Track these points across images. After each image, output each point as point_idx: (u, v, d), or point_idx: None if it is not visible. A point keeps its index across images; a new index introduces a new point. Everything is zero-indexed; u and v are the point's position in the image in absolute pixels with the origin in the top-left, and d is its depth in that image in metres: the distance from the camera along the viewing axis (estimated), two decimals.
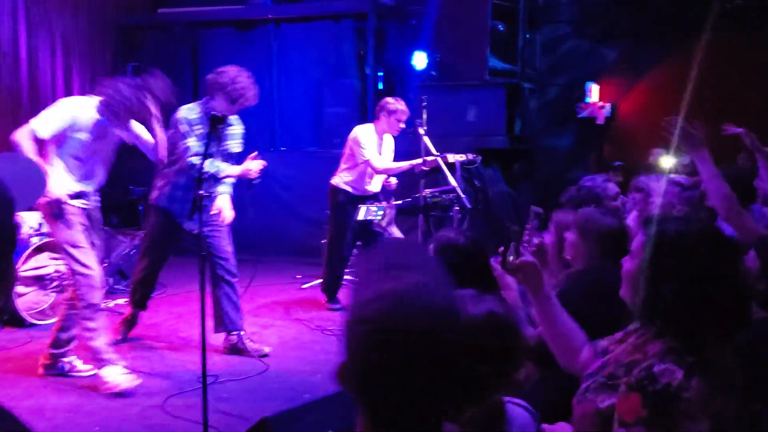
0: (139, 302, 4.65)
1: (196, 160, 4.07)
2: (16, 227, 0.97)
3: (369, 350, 0.91)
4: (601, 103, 7.32)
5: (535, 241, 2.80)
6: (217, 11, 7.88)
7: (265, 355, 4.41)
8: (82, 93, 7.76)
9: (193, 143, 4.20)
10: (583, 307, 2.06)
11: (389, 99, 5.32)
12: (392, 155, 5.50)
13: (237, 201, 4.50)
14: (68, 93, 7.60)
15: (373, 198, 5.43)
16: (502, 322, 1.45)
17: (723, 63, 6.40)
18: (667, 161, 4.73)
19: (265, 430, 1.98)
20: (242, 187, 4.55)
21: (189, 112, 4.28)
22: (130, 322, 4.68)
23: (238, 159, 4.41)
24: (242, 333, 4.47)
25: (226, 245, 4.39)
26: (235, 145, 4.43)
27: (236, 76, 4.22)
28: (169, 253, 4.71)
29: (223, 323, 4.43)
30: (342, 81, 7.58)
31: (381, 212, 5.08)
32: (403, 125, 5.30)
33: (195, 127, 4.23)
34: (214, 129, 3.36)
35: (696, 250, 1.60)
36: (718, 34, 6.14)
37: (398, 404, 0.92)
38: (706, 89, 6.67)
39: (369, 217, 4.95)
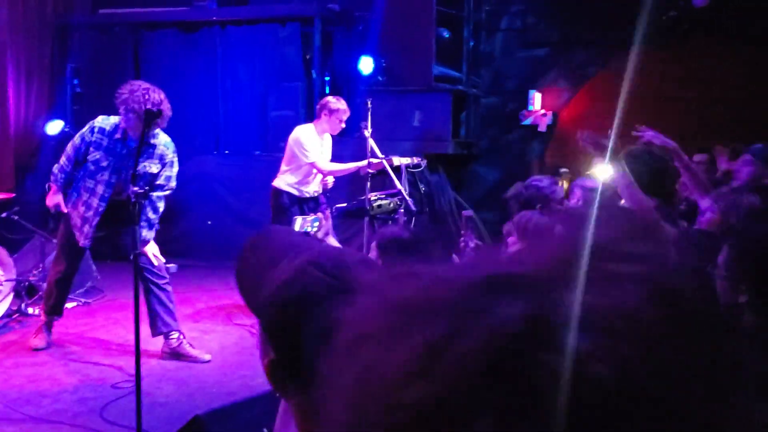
0: (53, 309, 4.49)
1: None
2: None
3: (309, 326, 0.84)
4: (543, 111, 7.48)
5: (471, 244, 2.82)
6: (160, 12, 7.74)
7: (207, 361, 4.33)
8: (17, 92, 7.53)
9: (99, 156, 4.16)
10: None
11: (330, 98, 5.26)
12: (330, 155, 5.45)
13: (179, 204, 4.43)
14: (2, 91, 7.34)
15: (314, 200, 5.38)
16: None
17: (658, 72, 6.63)
18: (602, 171, 4.84)
19: (198, 428, 1.93)
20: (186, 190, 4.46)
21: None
22: (48, 328, 4.51)
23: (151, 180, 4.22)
24: (181, 336, 4.36)
25: (148, 249, 4.27)
26: (150, 166, 4.19)
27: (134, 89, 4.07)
28: (79, 257, 4.57)
29: (157, 326, 4.32)
30: (288, 84, 7.53)
31: (317, 223, 5.04)
32: (343, 125, 5.25)
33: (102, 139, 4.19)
34: (149, 125, 3.28)
35: None
36: (655, 44, 6.37)
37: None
38: (643, 98, 6.93)
39: (305, 228, 4.90)
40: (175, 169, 4.31)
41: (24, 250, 5.72)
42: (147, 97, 3.95)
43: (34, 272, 5.43)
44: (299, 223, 2.46)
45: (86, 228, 4.26)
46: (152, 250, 4.26)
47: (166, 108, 3.99)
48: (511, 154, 7.57)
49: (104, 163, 4.15)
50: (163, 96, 4.03)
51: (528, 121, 7.43)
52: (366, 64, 6.79)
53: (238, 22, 7.63)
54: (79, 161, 4.26)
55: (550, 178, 3.85)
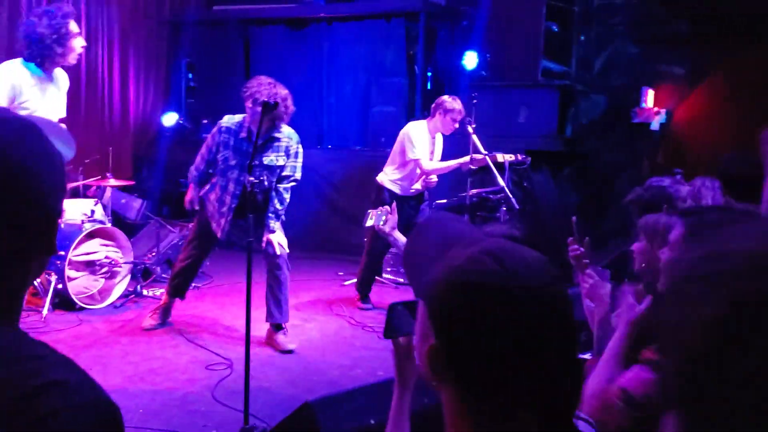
0: (176, 290, 4.71)
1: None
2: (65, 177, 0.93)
3: (482, 313, 0.83)
4: (656, 109, 7.13)
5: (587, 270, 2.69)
6: (270, 9, 7.96)
7: (290, 351, 4.36)
8: (137, 88, 7.96)
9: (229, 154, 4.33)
10: None
11: (446, 97, 5.16)
12: (440, 155, 5.42)
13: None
14: (124, 88, 7.79)
15: (416, 198, 5.35)
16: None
17: None
18: None
19: (308, 414, 1.96)
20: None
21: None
22: (166, 310, 4.74)
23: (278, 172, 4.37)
24: (281, 327, 4.48)
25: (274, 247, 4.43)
26: (270, 157, 4.31)
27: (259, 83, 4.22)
28: (211, 246, 4.74)
29: (267, 314, 4.48)
30: (390, 80, 7.57)
31: (384, 218, 5.01)
32: (457, 125, 5.17)
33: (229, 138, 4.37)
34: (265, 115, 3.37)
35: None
36: None
37: (521, 370, 0.84)
38: (763, 97, 6.48)
39: (373, 222, 4.89)
40: (300, 160, 4.42)
41: (140, 235, 6.05)
42: (274, 91, 4.08)
43: (149, 256, 5.73)
44: (369, 216, 2.44)
45: (222, 222, 4.44)
46: (278, 238, 4.36)
47: (290, 104, 4.14)
48: (621, 153, 7.27)
49: (233, 162, 4.30)
50: (286, 92, 4.17)
51: (639, 119, 7.11)
52: (470, 60, 6.71)
53: (344, 19, 7.73)
54: (211, 160, 4.45)
55: (670, 178, 3.64)
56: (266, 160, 4.25)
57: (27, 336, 0.86)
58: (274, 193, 4.31)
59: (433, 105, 5.25)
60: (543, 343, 0.84)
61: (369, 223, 2.42)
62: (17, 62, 3.65)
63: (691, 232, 1.74)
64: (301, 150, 4.42)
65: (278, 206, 4.36)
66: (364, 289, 5.46)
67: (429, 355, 0.88)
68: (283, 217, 4.45)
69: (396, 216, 2.50)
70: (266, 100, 3.83)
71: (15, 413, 0.73)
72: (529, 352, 0.83)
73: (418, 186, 5.32)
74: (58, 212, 0.90)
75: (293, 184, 4.43)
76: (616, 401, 1.59)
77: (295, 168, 4.39)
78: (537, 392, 0.85)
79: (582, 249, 2.61)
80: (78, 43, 3.67)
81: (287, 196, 4.40)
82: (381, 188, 5.30)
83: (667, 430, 0.64)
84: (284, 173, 4.36)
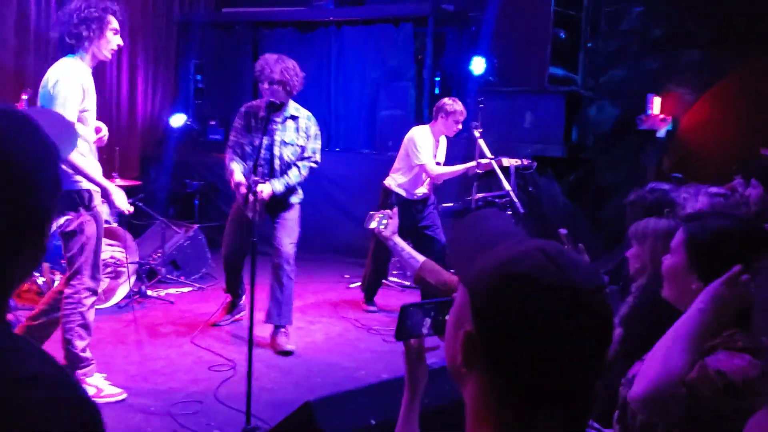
0: (229, 288, 4.81)
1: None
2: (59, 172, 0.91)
3: (531, 306, 0.85)
4: (662, 116, 7.12)
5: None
6: (280, 12, 8.00)
7: (289, 353, 4.34)
8: (145, 89, 8.01)
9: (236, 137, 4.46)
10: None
11: (447, 100, 5.20)
12: (444, 158, 5.43)
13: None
14: (132, 88, 7.83)
15: (422, 202, 5.35)
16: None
17: None
18: None
19: (308, 414, 1.96)
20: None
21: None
22: (229, 308, 4.88)
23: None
24: (281, 328, 4.46)
25: (283, 236, 4.46)
26: (290, 136, 4.43)
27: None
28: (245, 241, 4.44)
29: (266, 315, 4.49)
30: (398, 84, 7.59)
31: (385, 221, 5.03)
32: (460, 126, 5.21)
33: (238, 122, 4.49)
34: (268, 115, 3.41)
35: (738, 246, 1.61)
36: None
37: (554, 369, 0.86)
38: None
39: (374, 225, 4.90)
40: (319, 143, 4.50)
41: (146, 235, 6.07)
42: (284, 65, 4.24)
43: (155, 256, 5.75)
44: (372, 219, 2.45)
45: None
46: (265, 188, 4.18)
47: (299, 72, 4.32)
48: (626, 160, 7.26)
49: (256, 143, 4.33)
50: (293, 62, 4.32)
51: (645, 126, 7.10)
52: (478, 65, 6.72)
53: (353, 22, 7.76)
54: (238, 146, 4.45)
55: (672, 184, 3.65)
56: (287, 138, 4.36)
57: (9, 329, 0.86)
58: (292, 167, 4.39)
59: (434, 108, 5.27)
60: (580, 344, 0.86)
61: (372, 225, 2.42)
62: (76, 60, 3.43)
63: (693, 241, 1.75)
64: (319, 134, 4.53)
65: (291, 178, 4.38)
66: (369, 292, 5.46)
67: (465, 341, 0.90)
68: (300, 194, 4.54)
69: (397, 220, 2.50)
70: (280, 78, 4.13)
71: None
72: (565, 350, 0.85)
73: (424, 190, 5.33)
74: (51, 208, 0.89)
75: (314, 164, 4.50)
76: (706, 387, 1.54)
77: (315, 150, 4.48)
78: (565, 392, 0.87)
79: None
80: (115, 39, 3.56)
81: (305, 173, 4.44)
82: (388, 192, 5.31)
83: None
84: (305, 154, 4.44)
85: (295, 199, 4.56)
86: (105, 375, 3.68)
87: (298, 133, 4.42)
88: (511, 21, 6.72)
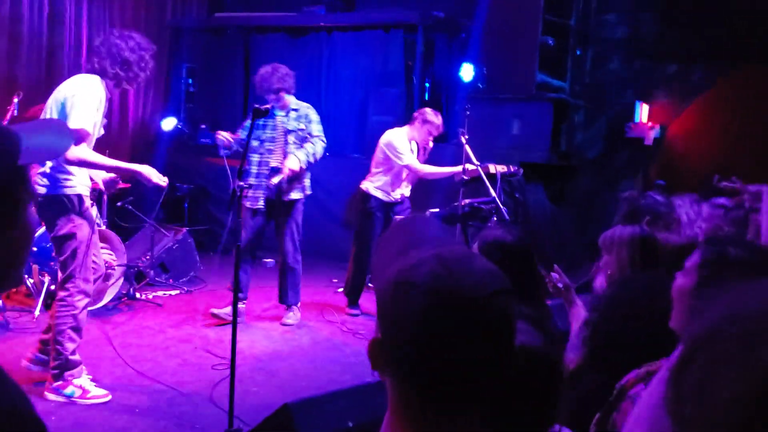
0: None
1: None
2: (22, 169, 0.91)
3: (420, 314, 0.87)
4: (650, 124, 7.20)
5: (560, 285, 2.78)
6: (271, 17, 8.04)
7: (288, 326, 5.00)
8: (137, 92, 8.03)
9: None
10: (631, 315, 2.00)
11: (428, 109, 5.36)
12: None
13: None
14: (123, 91, 7.83)
15: (400, 203, 5.43)
16: (537, 358, 1.31)
17: None
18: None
19: (286, 416, 2.00)
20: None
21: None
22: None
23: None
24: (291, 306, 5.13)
25: (286, 241, 5.00)
26: (293, 124, 4.94)
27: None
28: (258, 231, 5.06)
29: (280, 296, 5.17)
30: (388, 90, 7.63)
31: None
32: (430, 140, 5.32)
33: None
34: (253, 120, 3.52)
35: (751, 274, 1.52)
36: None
37: (450, 375, 0.88)
38: (755, 116, 6.55)
39: None
40: (321, 127, 5.03)
41: (135, 238, 6.10)
42: (283, 72, 4.93)
43: (143, 259, 5.77)
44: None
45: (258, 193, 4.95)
46: (291, 163, 4.80)
47: (292, 76, 4.97)
48: (614, 167, 7.34)
49: (263, 137, 4.91)
50: (285, 70, 4.96)
51: (633, 134, 7.17)
52: (467, 71, 6.77)
53: (344, 28, 7.81)
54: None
55: (663, 195, 3.68)
56: (291, 126, 4.92)
57: None
58: (305, 144, 4.90)
59: (415, 113, 5.39)
60: (472, 348, 0.87)
61: None
62: (98, 80, 3.58)
63: (708, 266, 1.68)
64: (319, 119, 5.06)
65: (308, 148, 4.90)
66: (353, 295, 5.50)
67: (370, 348, 0.93)
68: (307, 187, 5.05)
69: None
70: (279, 87, 4.82)
71: None
72: (457, 354, 0.87)
73: (402, 191, 5.40)
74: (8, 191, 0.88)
75: (322, 142, 4.99)
76: None
77: (320, 130, 5.01)
78: (467, 394, 0.89)
79: (556, 276, 2.70)
80: (146, 74, 3.75)
81: (318, 148, 4.95)
82: (366, 195, 5.37)
83: None
84: (313, 133, 4.96)
85: (297, 194, 4.98)
86: (91, 377, 3.71)
87: (299, 121, 4.95)
88: (500, 28, 6.78)
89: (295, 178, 4.88)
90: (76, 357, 3.59)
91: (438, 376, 0.88)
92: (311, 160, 4.91)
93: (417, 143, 5.39)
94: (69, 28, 7.21)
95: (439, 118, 5.29)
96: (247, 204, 4.89)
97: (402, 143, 5.26)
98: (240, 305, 5.00)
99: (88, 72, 3.61)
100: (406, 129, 5.37)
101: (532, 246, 2.33)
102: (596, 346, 2.02)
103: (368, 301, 5.62)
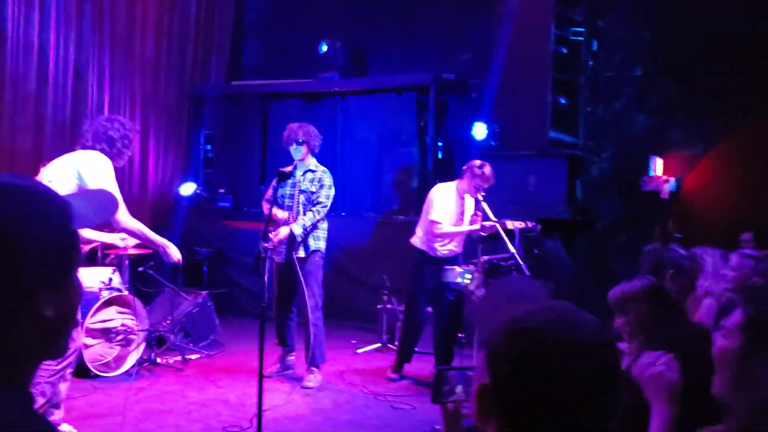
0: (280, 340, 5.32)
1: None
2: (74, 235, 0.96)
3: (535, 359, 0.91)
4: (665, 177, 7.23)
5: None
6: (287, 84, 8.25)
7: (308, 389, 4.98)
8: (157, 158, 8.22)
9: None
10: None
11: (476, 162, 5.20)
12: (469, 217, 5.39)
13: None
14: (144, 156, 8.03)
15: (452, 260, 5.31)
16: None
17: None
18: None
19: None
20: None
21: None
22: (281, 359, 5.38)
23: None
24: (312, 367, 5.16)
25: (305, 291, 5.07)
26: (306, 185, 5.17)
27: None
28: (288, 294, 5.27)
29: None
30: (402, 149, 7.76)
31: (469, 275, 5.10)
32: (481, 193, 5.14)
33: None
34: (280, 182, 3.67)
35: None
36: None
37: (561, 421, 0.91)
38: None
39: (457, 280, 4.99)
40: (331, 192, 5.21)
41: (156, 303, 6.13)
42: (304, 128, 5.25)
43: (164, 324, 5.78)
44: (452, 275, 2.51)
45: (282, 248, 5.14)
46: (282, 232, 5.02)
47: (315, 137, 5.30)
48: (631, 221, 7.34)
49: (285, 193, 5.20)
50: (312, 128, 5.31)
51: (649, 187, 7.19)
52: (479, 130, 6.89)
53: (357, 92, 8.00)
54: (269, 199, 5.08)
55: (690, 252, 3.61)
56: (303, 186, 5.16)
57: (29, 406, 0.89)
58: (307, 212, 5.11)
59: (464, 167, 5.27)
60: (584, 394, 0.91)
61: (457, 280, 2.46)
62: (103, 155, 3.90)
63: (754, 326, 1.57)
64: (332, 184, 5.23)
65: (306, 220, 5.08)
66: (401, 357, 5.39)
67: (478, 393, 0.96)
68: (322, 240, 5.22)
69: (482, 276, 2.58)
70: (304, 139, 5.16)
71: None
72: (569, 400, 0.90)
73: (451, 247, 5.30)
74: (38, 280, 0.91)
75: (324, 209, 5.16)
76: None
77: (328, 196, 5.19)
78: None
79: None
80: (129, 153, 4.12)
81: (317, 216, 5.12)
82: (414, 250, 5.33)
83: None
84: (319, 199, 5.14)
85: (314, 243, 5.14)
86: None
87: (312, 183, 5.14)
88: (511, 88, 6.92)
89: (291, 239, 5.07)
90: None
91: (549, 420, 0.90)
92: (307, 229, 5.11)
93: (471, 197, 5.26)
94: (91, 100, 7.43)
95: (488, 168, 5.13)
96: (277, 258, 5.09)
97: (442, 198, 5.21)
98: (290, 357, 5.36)
99: (84, 149, 3.92)
100: (455, 183, 5.30)
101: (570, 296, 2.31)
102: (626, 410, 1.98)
103: (388, 362, 5.56)
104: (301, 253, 5.09)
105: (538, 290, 1.19)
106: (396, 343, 5.90)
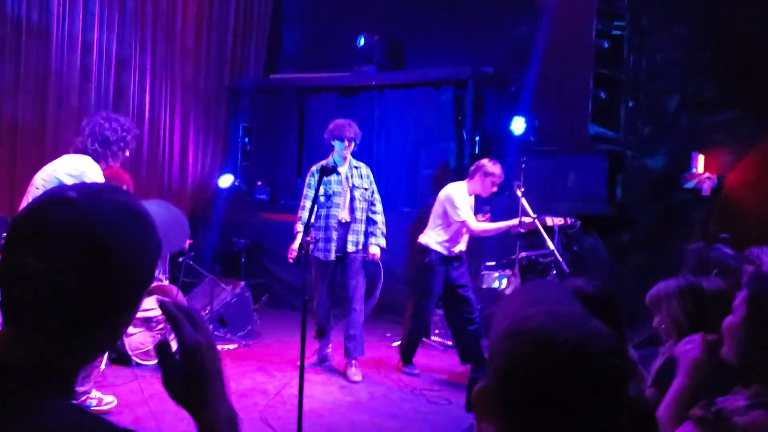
0: (318, 332, 5.38)
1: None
2: (158, 248, 1.03)
3: (525, 362, 0.90)
4: (707, 174, 7.08)
5: None
6: (324, 78, 8.27)
7: (355, 382, 5.05)
8: (196, 151, 8.32)
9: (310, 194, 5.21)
10: None
11: (486, 160, 5.26)
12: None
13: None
14: (184, 148, 8.14)
15: (458, 258, 5.32)
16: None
17: None
18: None
19: None
20: None
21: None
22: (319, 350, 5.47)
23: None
24: (352, 360, 5.24)
25: (350, 279, 5.26)
26: (357, 181, 5.32)
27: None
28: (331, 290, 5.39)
29: (344, 350, 5.32)
30: (439, 144, 7.73)
31: (504, 279, 5.14)
32: (495, 189, 5.24)
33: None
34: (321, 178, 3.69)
35: None
36: None
37: (552, 421, 0.90)
38: None
39: (492, 285, 5.02)
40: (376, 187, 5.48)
41: (195, 292, 6.22)
42: (353, 126, 5.33)
43: (203, 313, 5.87)
44: (487, 280, 2.50)
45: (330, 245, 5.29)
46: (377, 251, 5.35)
47: (359, 135, 5.39)
48: (671, 218, 7.21)
49: (330, 191, 5.23)
50: (357, 126, 5.37)
51: (691, 185, 7.06)
52: (518, 125, 6.82)
53: (395, 86, 7.98)
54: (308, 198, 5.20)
55: (736, 251, 3.55)
56: (356, 182, 5.29)
57: (84, 411, 0.94)
58: (370, 214, 5.35)
59: (472, 167, 5.31)
60: (577, 401, 0.89)
61: (494, 285, 2.48)
62: (90, 160, 3.87)
63: (755, 300, 1.76)
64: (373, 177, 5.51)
65: (381, 227, 5.36)
66: (408, 352, 5.42)
67: (478, 395, 0.96)
68: (384, 229, 5.41)
69: (518, 279, 2.59)
70: (353, 137, 5.24)
71: None
72: (569, 405, 0.89)
73: (462, 247, 5.32)
74: (132, 300, 0.99)
75: (381, 204, 5.47)
76: None
77: (376, 191, 5.47)
78: None
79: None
80: (126, 153, 4.10)
81: (381, 212, 5.43)
82: (426, 250, 5.29)
83: None
84: (374, 195, 5.41)
85: (383, 242, 5.33)
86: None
87: (362, 179, 5.32)
88: (551, 82, 6.84)
89: (345, 234, 5.26)
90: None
91: (549, 424, 0.89)
92: (384, 234, 5.40)
93: (480, 196, 5.34)
94: (133, 93, 7.53)
95: (498, 166, 5.22)
96: (320, 256, 5.16)
97: (461, 198, 5.18)
98: (327, 350, 5.44)
99: (75, 151, 3.90)
100: (465, 183, 5.29)
101: (616, 296, 2.30)
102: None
103: (427, 357, 5.57)
104: (351, 248, 5.20)
105: (559, 294, 1.17)
106: (429, 338, 5.90)
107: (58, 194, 0.97)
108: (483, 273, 5.14)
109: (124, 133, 3.94)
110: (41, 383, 0.91)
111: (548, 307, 0.95)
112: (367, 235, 5.32)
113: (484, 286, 5.16)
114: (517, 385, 0.91)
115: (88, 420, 0.93)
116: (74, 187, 0.99)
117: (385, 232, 5.34)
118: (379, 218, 5.34)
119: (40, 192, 3.72)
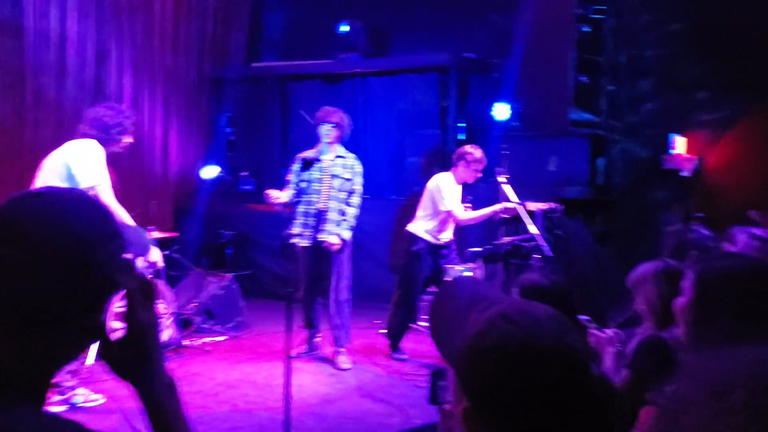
0: (306, 323, 5.38)
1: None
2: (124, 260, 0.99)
3: (503, 375, 0.92)
4: (687, 156, 7.15)
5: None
6: (307, 66, 8.24)
7: (345, 370, 5.09)
8: (179, 142, 8.28)
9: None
10: None
11: (468, 147, 5.33)
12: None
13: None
14: (166, 142, 8.10)
15: (446, 246, 5.41)
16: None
17: None
18: None
19: None
20: None
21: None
22: (306, 340, 5.43)
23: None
24: (340, 348, 5.26)
25: (334, 275, 5.17)
26: (338, 170, 5.20)
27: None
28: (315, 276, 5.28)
29: (333, 339, 5.33)
30: (424, 131, 7.74)
31: (470, 273, 5.18)
32: (480, 174, 5.31)
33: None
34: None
35: (744, 286, 1.66)
36: None
37: (543, 419, 0.92)
38: None
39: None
40: (362, 180, 5.31)
41: (181, 285, 6.22)
42: (338, 112, 5.28)
43: (189, 306, 5.88)
44: (454, 272, 2.53)
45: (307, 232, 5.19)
46: (334, 240, 5.10)
47: (347, 123, 5.32)
48: (652, 200, 7.28)
49: (312, 177, 5.18)
50: (345, 114, 5.33)
51: (670, 166, 7.13)
52: (501, 110, 6.85)
53: (378, 73, 7.97)
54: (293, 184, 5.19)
55: (714, 232, 3.62)
56: (336, 171, 5.18)
57: (55, 419, 0.90)
58: (344, 205, 5.18)
59: (454, 156, 5.38)
60: (560, 394, 0.92)
61: (450, 277, 2.52)
62: (95, 143, 4.11)
63: (702, 282, 1.79)
64: (362, 171, 5.33)
65: (350, 218, 5.18)
66: (395, 338, 5.49)
67: (464, 417, 0.97)
68: (352, 222, 5.24)
69: (483, 271, 2.62)
70: (337, 122, 5.16)
71: None
72: (549, 403, 0.92)
73: (449, 235, 5.39)
74: (104, 289, 0.95)
75: (359, 197, 5.28)
76: None
77: (361, 183, 5.30)
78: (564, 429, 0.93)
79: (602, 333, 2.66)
80: (127, 139, 4.30)
81: (357, 209, 5.26)
82: (414, 238, 5.38)
83: None
84: (354, 186, 5.24)
85: (346, 234, 5.15)
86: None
87: (345, 169, 5.20)
88: (532, 68, 6.87)
89: (319, 223, 5.19)
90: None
91: (535, 428, 0.92)
92: (352, 226, 5.23)
93: (467, 183, 5.40)
94: (112, 87, 7.45)
95: (479, 151, 5.29)
96: (297, 243, 5.12)
97: (448, 188, 5.26)
98: (316, 339, 5.44)
99: (81, 137, 4.12)
100: (451, 174, 5.35)
101: (570, 290, 2.36)
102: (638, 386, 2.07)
103: (415, 342, 5.62)
104: (325, 237, 5.12)
105: (486, 288, 1.20)
106: (415, 323, 5.95)
107: (26, 191, 0.97)
108: (447, 267, 5.22)
109: (122, 119, 4.18)
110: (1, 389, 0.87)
111: (498, 311, 0.97)
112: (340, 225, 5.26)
113: (449, 279, 5.22)
114: (501, 399, 0.93)
115: (58, 427, 0.90)
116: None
117: (353, 225, 5.20)
118: (351, 210, 5.20)
119: (47, 176, 3.92)
